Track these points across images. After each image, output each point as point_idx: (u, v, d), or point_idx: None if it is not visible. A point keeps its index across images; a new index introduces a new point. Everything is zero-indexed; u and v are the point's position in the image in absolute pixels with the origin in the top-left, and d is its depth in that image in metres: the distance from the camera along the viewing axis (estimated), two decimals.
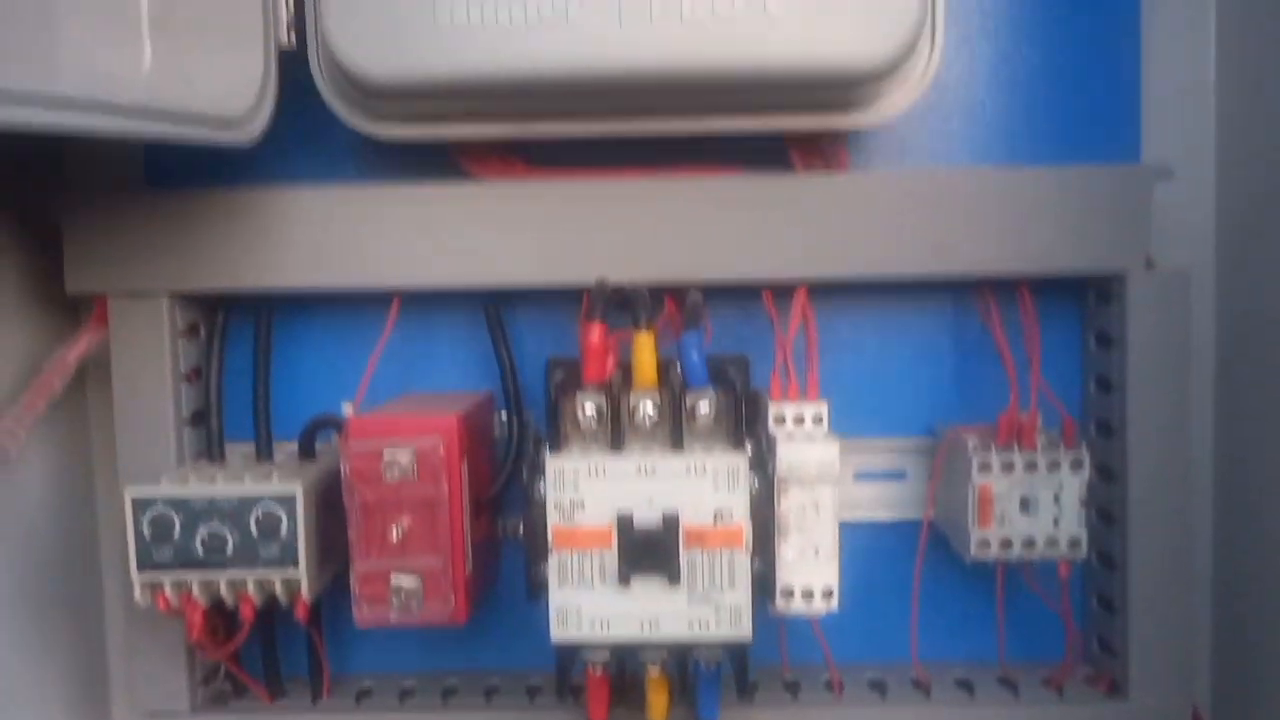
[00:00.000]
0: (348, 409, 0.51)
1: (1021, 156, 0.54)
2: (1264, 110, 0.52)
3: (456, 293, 0.52)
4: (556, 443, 0.46)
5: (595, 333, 0.44)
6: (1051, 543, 0.50)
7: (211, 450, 0.53)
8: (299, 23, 0.46)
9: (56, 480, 0.54)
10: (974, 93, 0.54)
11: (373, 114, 0.47)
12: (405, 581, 0.45)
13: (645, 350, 0.45)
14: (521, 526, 0.45)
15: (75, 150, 0.55)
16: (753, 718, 0.52)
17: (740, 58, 0.43)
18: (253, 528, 0.46)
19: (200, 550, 0.45)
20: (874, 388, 0.55)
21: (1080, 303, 0.55)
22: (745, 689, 0.47)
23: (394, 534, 0.44)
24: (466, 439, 0.47)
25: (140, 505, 0.45)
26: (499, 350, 0.53)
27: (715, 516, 0.43)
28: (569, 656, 0.45)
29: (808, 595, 0.46)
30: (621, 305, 0.47)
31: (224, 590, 0.46)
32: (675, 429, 0.45)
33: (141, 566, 0.46)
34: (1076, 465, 0.50)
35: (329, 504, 0.48)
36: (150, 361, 0.51)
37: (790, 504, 0.46)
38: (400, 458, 0.44)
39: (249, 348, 0.54)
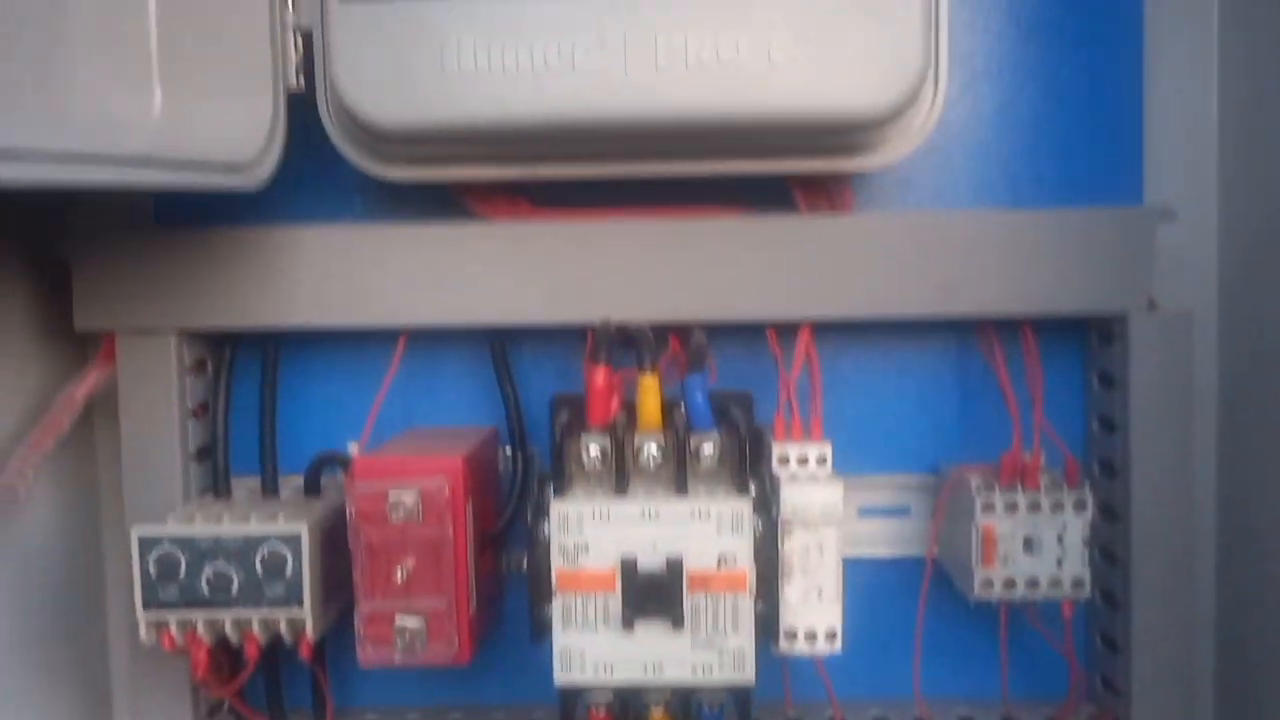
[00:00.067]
0: (353, 448, 0.52)
1: (1024, 197, 0.54)
2: (1266, 151, 0.53)
3: (462, 329, 0.52)
4: (561, 483, 0.46)
5: (599, 376, 0.45)
6: (1055, 583, 0.50)
7: (217, 486, 0.53)
8: (308, 65, 0.46)
9: (63, 516, 0.54)
10: (977, 134, 0.54)
11: (380, 156, 0.48)
12: (410, 622, 0.45)
13: (650, 393, 0.46)
14: (525, 563, 0.46)
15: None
16: None
17: (745, 105, 0.43)
18: (258, 567, 0.46)
19: (206, 589, 0.46)
20: (878, 425, 0.56)
21: (1083, 342, 0.55)
22: None
23: (399, 575, 0.45)
24: (471, 478, 0.47)
25: (146, 544, 0.46)
26: (504, 386, 0.54)
27: (719, 561, 0.43)
28: (572, 699, 0.45)
29: (811, 637, 0.46)
30: (626, 344, 0.48)
31: (229, 629, 0.46)
32: (679, 471, 0.45)
33: (147, 605, 0.46)
34: (1080, 506, 0.50)
35: (334, 541, 0.48)
36: (157, 398, 0.51)
37: (794, 545, 0.46)
38: (405, 499, 0.44)
39: (256, 382, 0.54)
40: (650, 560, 0.43)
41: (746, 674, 0.44)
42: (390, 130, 0.44)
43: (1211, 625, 0.57)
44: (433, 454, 0.46)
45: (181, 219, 0.53)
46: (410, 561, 0.45)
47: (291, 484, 0.54)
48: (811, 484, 0.47)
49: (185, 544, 0.46)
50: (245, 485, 0.54)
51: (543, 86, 0.43)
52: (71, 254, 0.50)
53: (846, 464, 0.50)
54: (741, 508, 0.43)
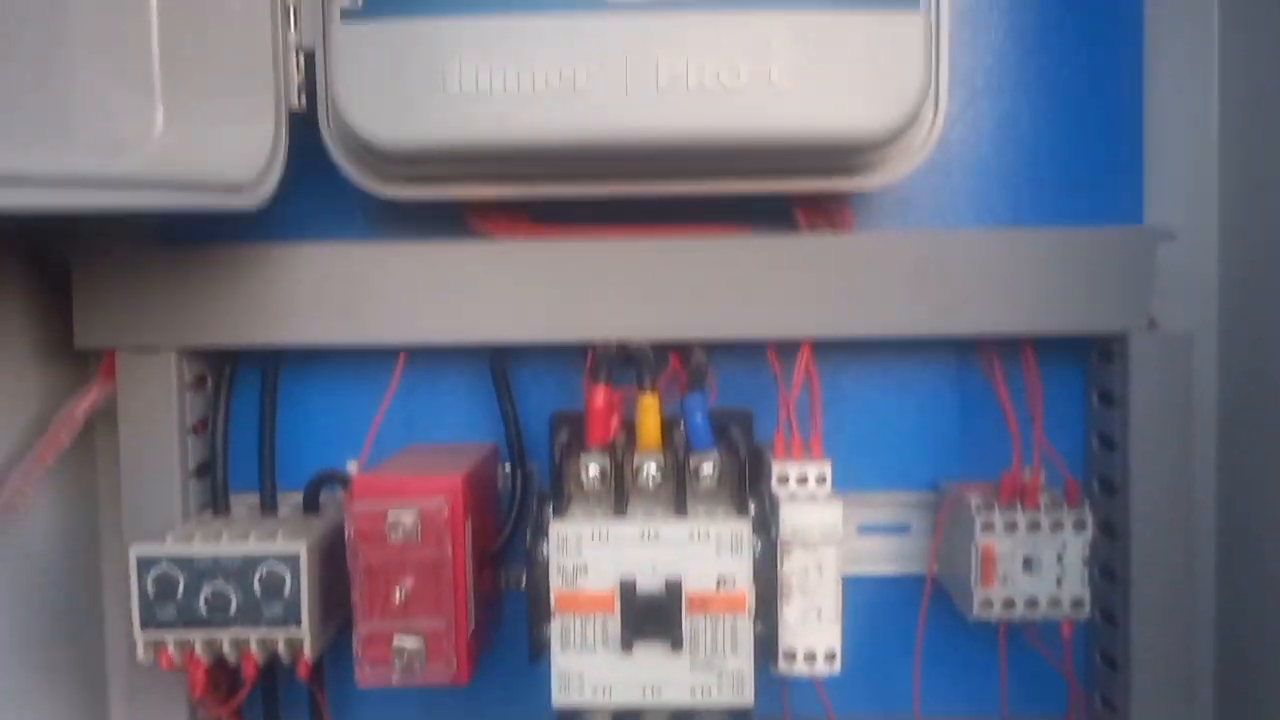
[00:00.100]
0: (352, 467, 0.52)
1: (1025, 215, 0.54)
2: (1266, 172, 0.53)
3: (462, 347, 0.52)
4: (560, 503, 0.46)
5: (599, 396, 0.45)
6: (1054, 603, 0.50)
7: (216, 502, 0.53)
8: (309, 84, 0.46)
9: (63, 532, 0.54)
10: (977, 152, 0.54)
11: (381, 175, 0.48)
12: (408, 643, 0.45)
13: (649, 413, 0.46)
14: (524, 581, 0.46)
15: None
16: None
17: (746, 127, 0.44)
18: (256, 587, 0.46)
19: (204, 609, 0.46)
20: (878, 442, 0.56)
21: (1083, 360, 0.55)
22: None
23: (397, 595, 0.44)
24: (470, 497, 0.47)
25: (145, 564, 0.46)
26: (503, 404, 0.54)
27: (718, 582, 0.43)
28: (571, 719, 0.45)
29: (810, 657, 0.46)
30: (626, 362, 0.48)
31: (227, 648, 0.46)
32: (679, 491, 0.45)
33: (145, 625, 0.46)
34: (1079, 525, 0.50)
35: (333, 559, 0.48)
36: (157, 415, 0.51)
37: (793, 566, 0.46)
38: (404, 519, 0.44)
39: (256, 398, 0.54)
40: (649, 582, 0.43)
41: (745, 696, 0.43)
42: (392, 150, 0.44)
43: (1211, 644, 0.57)
44: (432, 473, 0.46)
45: (182, 235, 0.53)
46: (409, 582, 0.45)
47: (291, 500, 0.54)
48: (811, 504, 0.47)
49: (183, 563, 0.46)
50: (244, 501, 0.54)
51: (544, 108, 0.43)
52: (73, 271, 0.50)
53: (846, 481, 0.50)
54: (741, 529, 0.43)
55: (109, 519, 0.56)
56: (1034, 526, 0.50)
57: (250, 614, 0.46)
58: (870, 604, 0.56)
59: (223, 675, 0.50)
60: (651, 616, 0.43)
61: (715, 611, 0.43)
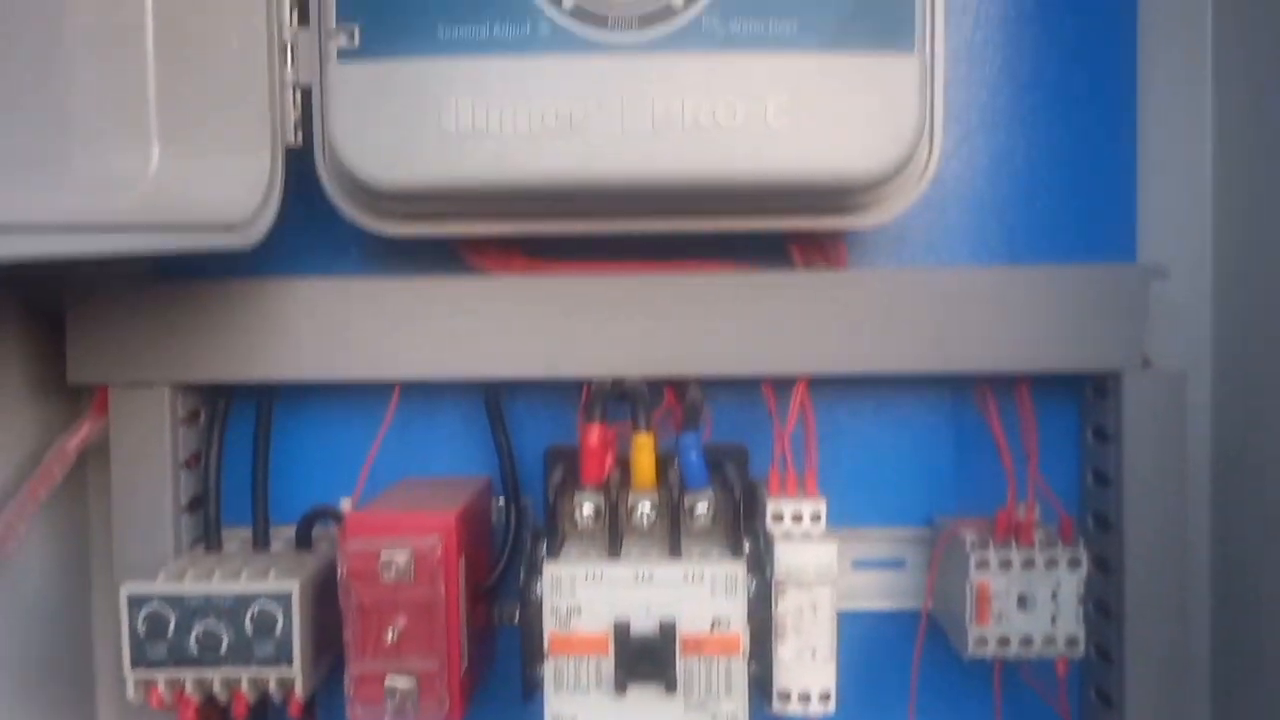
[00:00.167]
0: (345, 504, 0.51)
1: (1018, 250, 0.54)
2: (1260, 210, 0.53)
3: (457, 382, 0.52)
4: (554, 542, 0.46)
5: (594, 435, 0.45)
6: (1049, 641, 0.50)
7: (209, 537, 0.53)
8: (305, 120, 0.46)
9: (54, 567, 0.54)
10: (972, 188, 0.54)
11: (377, 212, 0.48)
12: (400, 683, 0.45)
13: (644, 451, 0.46)
14: (517, 617, 0.45)
15: None
16: None
17: (741, 167, 0.44)
18: (248, 626, 0.45)
19: (195, 648, 0.45)
20: (872, 477, 0.56)
21: (1078, 396, 0.55)
22: None
23: (390, 635, 0.44)
24: (464, 535, 0.46)
25: (135, 602, 0.45)
26: (498, 438, 0.54)
27: (713, 624, 0.43)
28: None
29: (804, 698, 0.46)
30: (621, 398, 0.48)
31: (218, 687, 0.46)
32: (673, 531, 0.45)
33: (135, 664, 0.45)
34: (1074, 564, 0.50)
35: (325, 596, 0.47)
36: (150, 450, 0.51)
37: (788, 605, 0.46)
38: (398, 558, 0.44)
39: (250, 430, 0.54)
40: (643, 623, 0.43)
41: None
42: (388, 189, 0.45)
43: (1206, 680, 0.57)
44: (425, 511, 0.46)
45: (175, 271, 0.53)
46: (402, 621, 0.44)
47: (284, 534, 0.54)
48: (805, 543, 0.47)
49: (175, 602, 0.45)
50: (237, 536, 0.54)
51: (540, 147, 0.43)
52: (66, 306, 0.50)
53: (841, 516, 0.50)
54: (735, 570, 0.43)
55: (100, 553, 0.56)
56: (1029, 564, 0.50)
57: (242, 653, 0.45)
58: (865, 639, 0.56)
59: (214, 714, 0.49)
60: (645, 658, 0.43)
61: (709, 653, 0.43)
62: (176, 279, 0.51)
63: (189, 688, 0.46)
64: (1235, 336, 0.55)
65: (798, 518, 0.48)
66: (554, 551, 0.45)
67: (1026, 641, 0.50)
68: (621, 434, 0.47)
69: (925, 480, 0.55)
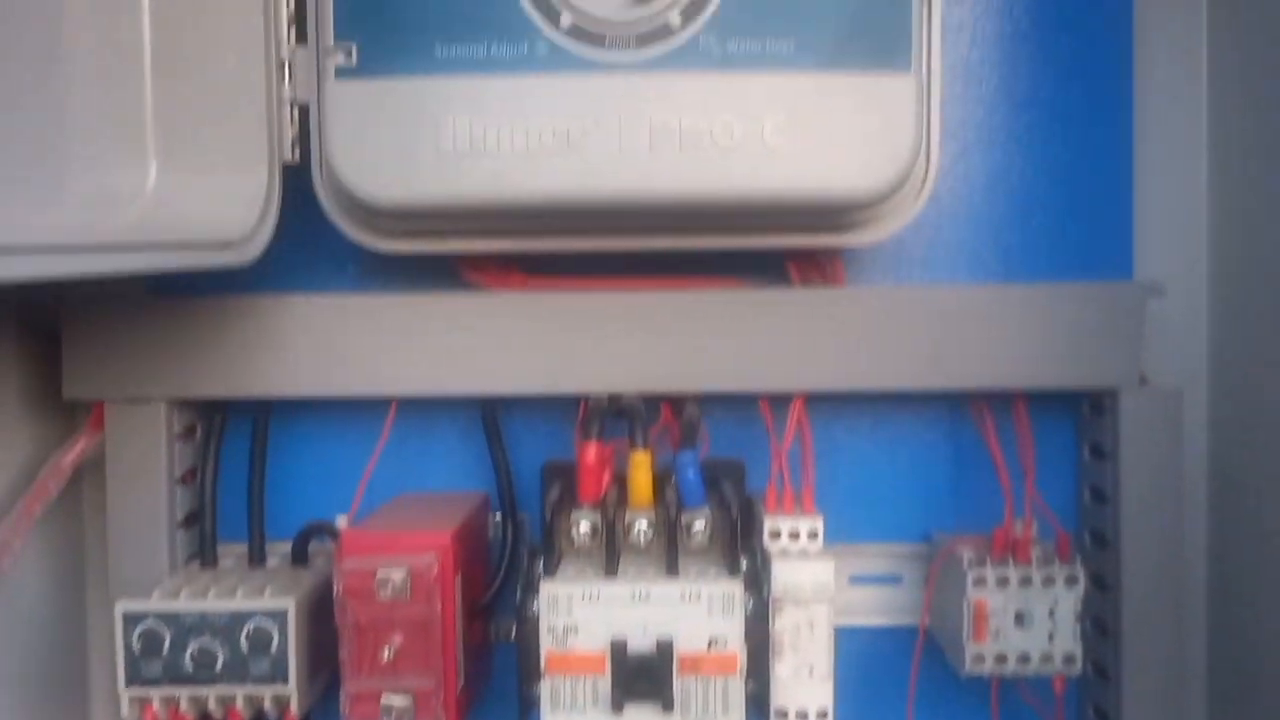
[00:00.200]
0: (341, 521, 0.51)
1: (1015, 268, 0.54)
2: (1257, 227, 0.53)
3: (454, 398, 0.52)
4: (551, 560, 0.46)
5: (591, 453, 0.45)
6: (1046, 658, 0.50)
7: (204, 553, 0.53)
8: (303, 137, 0.46)
9: (49, 584, 0.53)
10: (969, 205, 0.55)
11: (374, 229, 0.48)
12: (396, 701, 0.45)
13: (641, 470, 0.46)
14: (514, 633, 0.45)
15: None
16: None
17: (738, 186, 0.44)
18: (243, 643, 0.45)
19: (190, 666, 0.45)
20: (870, 493, 0.55)
21: (1075, 413, 0.55)
22: None
23: (386, 653, 0.44)
24: (461, 552, 0.46)
25: (130, 619, 0.45)
26: (494, 453, 0.54)
27: (710, 643, 0.43)
28: None
29: (802, 716, 0.46)
30: (618, 415, 0.47)
31: (213, 705, 0.46)
32: (670, 549, 0.45)
33: (130, 682, 0.45)
34: (1071, 581, 0.50)
35: (321, 613, 0.47)
36: (145, 466, 0.51)
37: (785, 623, 0.46)
38: (394, 576, 0.44)
39: (245, 445, 0.54)
40: (640, 642, 0.43)
41: None
42: (386, 207, 0.45)
43: (1203, 697, 0.57)
44: (422, 529, 0.46)
45: (171, 287, 0.53)
46: (398, 639, 0.44)
47: (280, 550, 0.53)
48: (803, 561, 0.47)
49: (170, 619, 0.45)
50: (233, 551, 0.54)
51: (537, 166, 0.43)
52: (62, 322, 0.50)
53: (838, 532, 0.50)
54: (733, 589, 0.43)
55: (95, 569, 0.56)
56: (1026, 582, 0.50)
57: (237, 670, 0.45)
58: (862, 655, 0.55)
59: None
60: (642, 677, 0.43)
61: (706, 672, 0.43)
62: (173, 295, 0.51)
63: (184, 705, 0.46)
64: (1232, 354, 0.55)
65: (795, 535, 0.48)
66: (551, 570, 0.45)
67: (1024, 659, 0.50)
68: (619, 451, 0.47)
69: (922, 497, 0.55)
